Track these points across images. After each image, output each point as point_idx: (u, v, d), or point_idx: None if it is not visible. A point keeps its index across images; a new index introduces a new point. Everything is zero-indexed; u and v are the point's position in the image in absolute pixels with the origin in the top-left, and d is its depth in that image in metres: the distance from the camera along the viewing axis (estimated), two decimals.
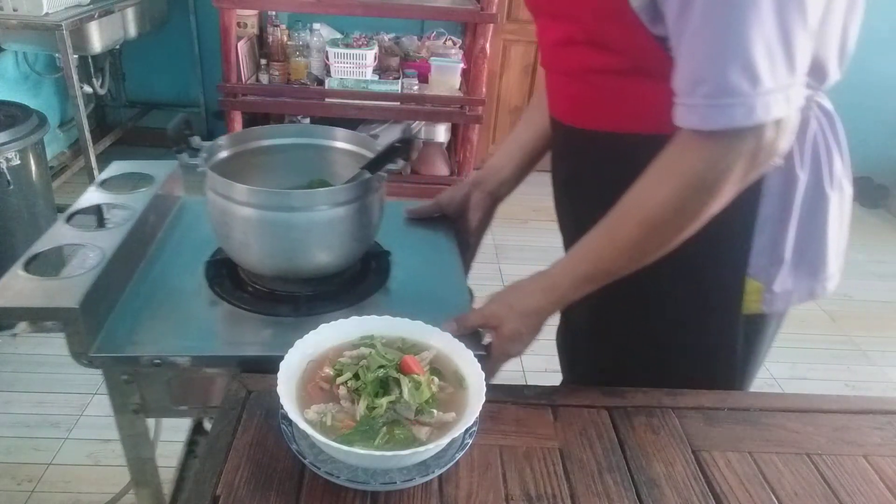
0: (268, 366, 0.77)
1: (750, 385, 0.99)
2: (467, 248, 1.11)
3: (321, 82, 3.01)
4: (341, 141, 1.06)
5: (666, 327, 0.92)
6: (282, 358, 0.73)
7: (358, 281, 1.01)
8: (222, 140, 1.01)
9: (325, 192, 0.92)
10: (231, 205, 0.88)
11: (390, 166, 0.94)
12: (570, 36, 0.82)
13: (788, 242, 0.84)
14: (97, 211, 1.02)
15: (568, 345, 1.15)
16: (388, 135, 3.36)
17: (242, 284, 0.98)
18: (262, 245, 0.91)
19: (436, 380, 0.75)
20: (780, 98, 0.67)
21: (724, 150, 0.70)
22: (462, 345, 0.79)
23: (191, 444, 1.37)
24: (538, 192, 3.94)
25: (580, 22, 0.79)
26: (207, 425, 1.28)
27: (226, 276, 0.98)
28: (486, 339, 0.88)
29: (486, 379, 0.74)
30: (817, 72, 0.78)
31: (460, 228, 1.13)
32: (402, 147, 0.92)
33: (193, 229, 1.10)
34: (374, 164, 0.93)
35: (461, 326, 0.85)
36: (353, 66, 2.94)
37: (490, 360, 0.85)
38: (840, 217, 0.89)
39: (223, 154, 1.01)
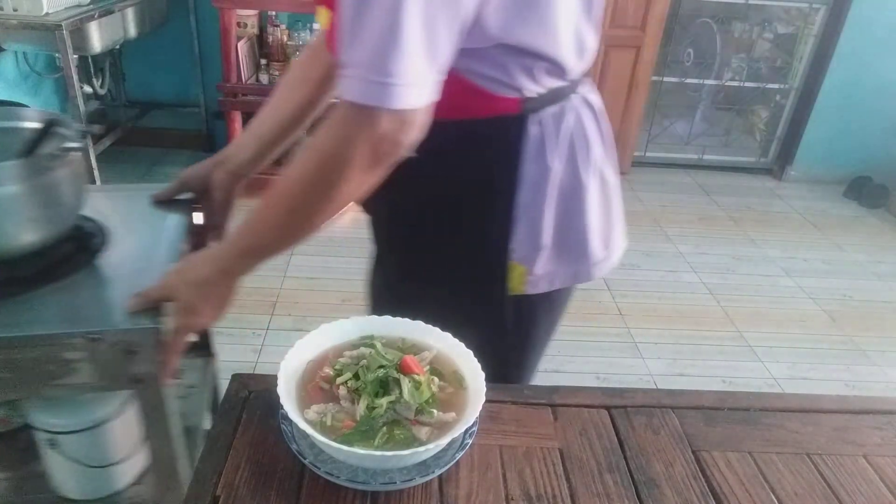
0: None
1: (529, 369, 1.05)
2: (213, 227, 1.10)
3: None
4: (30, 121, 1.01)
5: (446, 300, 0.95)
6: None
7: (62, 261, 0.96)
8: None
9: None
10: None
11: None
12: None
13: (547, 229, 0.87)
14: None
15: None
16: None
17: None
18: None
19: (436, 380, 0.75)
20: (414, 90, 0.68)
21: (351, 127, 0.70)
22: (462, 345, 0.79)
23: None
24: None
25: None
26: None
27: None
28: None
29: (167, 355, 0.77)
30: (554, 67, 0.81)
31: (205, 207, 1.10)
32: (48, 133, 0.91)
33: None
34: (30, 149, 0.91)
35: (142, 301, 0.84)
36: None
37: (172, 334, 0.84)
38: (604, 203, 0.93)
39: None
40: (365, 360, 0.75)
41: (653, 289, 2.76)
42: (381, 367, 0.74)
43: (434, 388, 0.74)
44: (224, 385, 0.85)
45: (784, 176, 4.00)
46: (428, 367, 0.77)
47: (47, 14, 2.35)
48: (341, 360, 0.77)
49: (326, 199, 0.75)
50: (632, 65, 3.55)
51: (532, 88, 0.82)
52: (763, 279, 2.91)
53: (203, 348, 1.36)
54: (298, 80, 1.03)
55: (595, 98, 0.92)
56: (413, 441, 0.69)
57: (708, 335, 2.48)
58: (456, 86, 0.78)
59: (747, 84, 4.03)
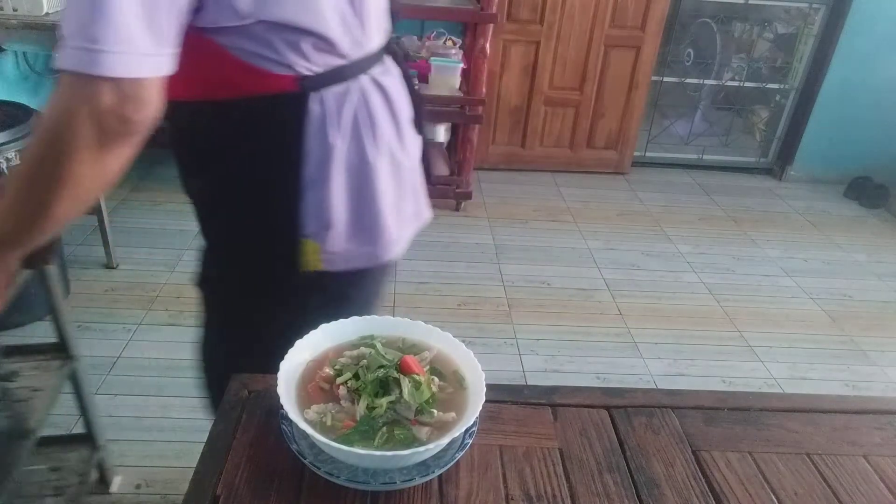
0: None
1: None
2: None
3: None
4: None
5: (252, 281, 0.98)
6: None
7: None
8: None
9: None
10: None
11: None
12: None
13: (335, 206, 0.89)
14: None
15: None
16: None
17: None
18: None
19: (436, 380, 0.75)
20: (126, 58, 0.67)
21: (69, 98, 0.69)
22: (462, 345, 0.79)
23: None
24: (538, 191, 3.95)
25: None
26: None
27: None
28: None
29: None
30: (322, 43, 0.82)
31: None
32: None
33: None
34: None
35: None
36: None
37: None
38: (397, 185, 0.95)
39: None
40: (365, 360, 0.75)
41: (653, 289, 2.76)
42: (381, 367, 0.74)
43: (434, 388, 0.74)
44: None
45: (784, 176, 4.00)
46: (428, 367, 0.77)
47: (47, 14, 2.35)
48: (341, 360, 0.77)
49: (56, 179, 0.70)
50: (632, 65, 3.55)
51: (305, 66, 0.82)
52: (763, 279, 2.91)
53: (60, 350, 1.34)
54: None
55: (391, 81, 0.93)
56: (413, 441, 0.69)
57: (708, 335, 2.48)
58: (228, 63, 0.79)
59: (747, 84, 4.02)
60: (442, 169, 3.24)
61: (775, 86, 4.00)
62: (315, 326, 0.93)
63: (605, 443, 0.79)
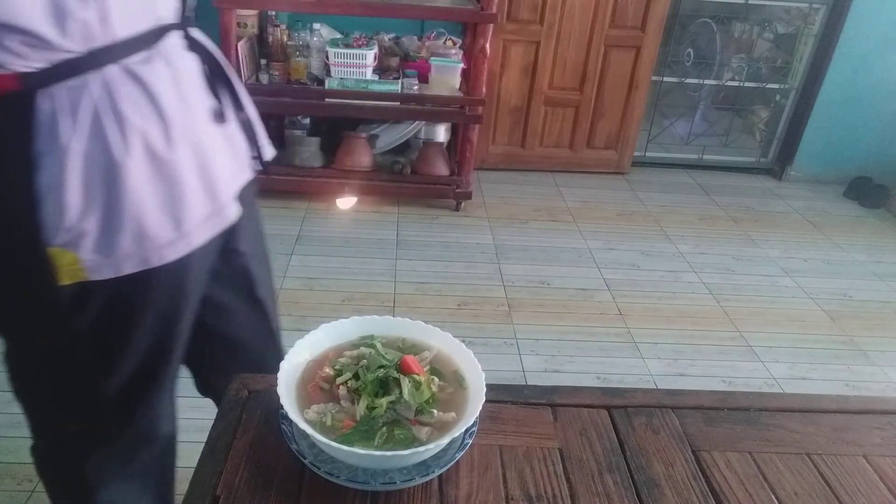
0: None
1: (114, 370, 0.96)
2: None
3: (321, 82, 3.01)
4: None
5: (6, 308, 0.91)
6: None
7: None
8: None
9: None
10: None
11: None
12: None
13: (76, 210, 0.80)
14: None
15: None
16: (388, 135, 3.36)
17: None
18: None
19: (436, 380, 0.75)
20: None
21: None
22: (462, 345, 0.79)
23: None
24: (538, 192, 3.95)
25: None
26: None
27: None
28: None
29: None
30: (32, 39, 0.74)
31: None
32: None
33: None
34: None
35: None
36: (353, 66, 2.94)
37: None
38: (161, 182, 0.85)
39: None
40: (365, 360, 0.75)
41: (653, 289, 2.76)
42: (381, 367, 0.74)
43: (434, 388, 0.74)
44: None
45: (784, 176, 4.00)
46: (428, 367, 0.77)
47: None
48: (341, 360, 0.77)
49: None
50: (632, 65, 3.55)
51: (22, 63, 0.75)
52: (763, 279, 2.91)
53: None
54: None
55: (149, 70, 0.83)
56: (413, 441, 0.69)
57: (708, 335, 2.48)
58: None
59: (747, 84, 4.02)
60: (442, 169, 3.24)
61: (775, 86, 3.99)
62: (115, 340, 0.92)
63: (605, 443, 0.79)
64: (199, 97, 0.92)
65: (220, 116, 0.95)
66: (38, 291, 0.86)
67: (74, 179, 0.79)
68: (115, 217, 0.83)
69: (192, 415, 1.49)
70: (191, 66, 0.92)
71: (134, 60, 0.82)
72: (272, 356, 1.20)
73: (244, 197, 1.04)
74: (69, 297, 0.86)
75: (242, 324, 1.16)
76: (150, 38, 0.85)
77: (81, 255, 0.82)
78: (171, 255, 0.89)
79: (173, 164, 0.86)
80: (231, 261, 1.08)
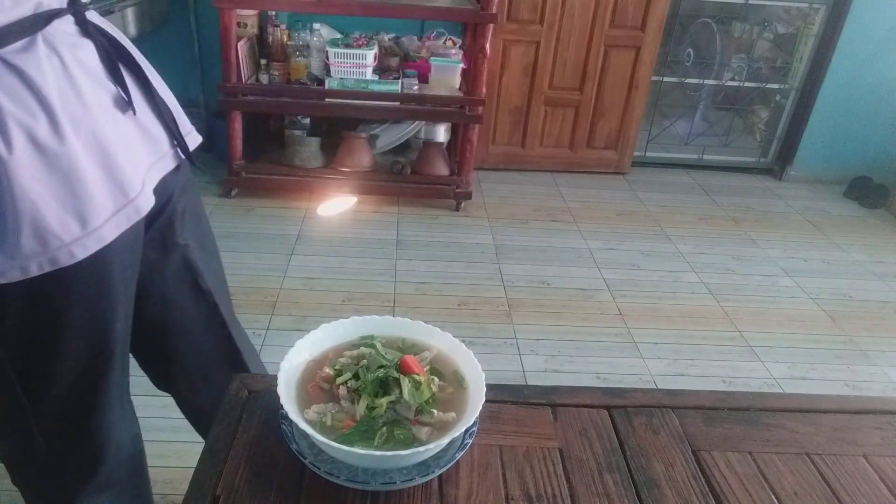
0: None
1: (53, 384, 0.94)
2: None
3: (321, 82, 3.01)
4: None
5: None
6: None
7: None
8: None
9: None
10: None
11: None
12: None
13: None
14: None
15: None
16: (388, 135, 3.36)
17: None
18: None
19: (436, 380, 0.75)
20: None
21: None
22: (462, 345, 0.79)
23: None
24: (538, 192, 3.96)
25: None
26: None
27: None
28: None
29: None
30: None
31: None
32: None
33: None
34: None
35: None
36: (353, 66, 2.94)
37: None
38: (54, 177, 0.80)
39: None
40: (365, 360, 0.75)
41: (653, 289, 2.76)
42: (381, 367, 0.74)
43: (434, 388, 0.74)
44: None
45: (784, 176, 4.00)
46: (428, 367, 0.77)
47: None
48: (341, 360, 0.77)
49: None
50: (632, 65, 3.55)
51: None
52: (763, 279, 2.91)
53: None
54: None
55: (27, 59, 0.78)
56: (413, 441, 0.69)
57: (708, 335, 2.48)
58: None
59: (747, 84, 4.02)
60: (442, 169, 3.24)
61: (775, 86, 3.99)
62: (43, 346, 0.89)
63: (605, 443, 0.79)
64: (96, 85, 0.86)
65: (124, 105, 0.90)
66: None
67: None
68: (9, 217, 0.78)
69: None
70: (86, 53, 0.86)
71: (10, 50, 0.77)
72: (225, 346, 1.18)
73: (172, 187, 1.00)
74: None
75: (189, 316, 1.13)
76: (31, 25, 0.79)
77: None
78: (82, 252, 0.84)
79: (67, 157, 0.81)
80: (170, 253, 1.05)
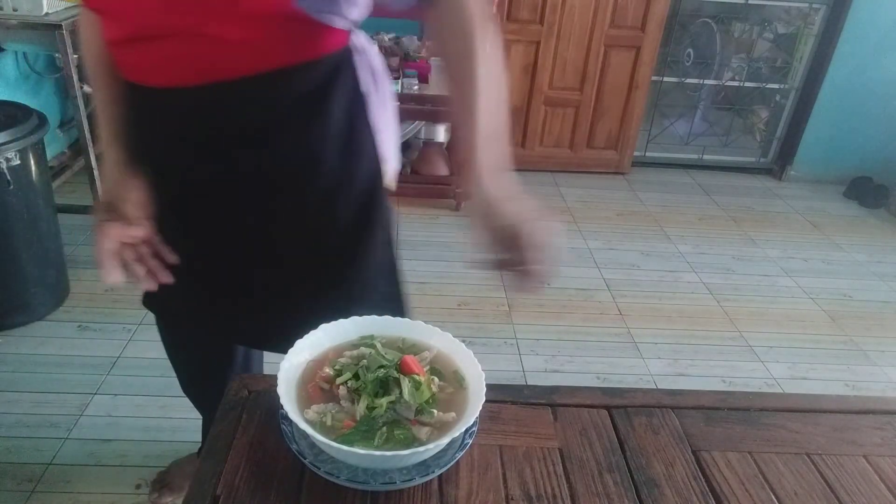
0: None
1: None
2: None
3: None
4: None
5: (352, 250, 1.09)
6: None
7: None
8: None
9: None
10: None
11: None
12: None
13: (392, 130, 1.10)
14: None
15: None
16: None
17: None
18: None
19: (436, 380, 0.75)
20: None
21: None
22: (462, 345, 0.79)
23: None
24: (538, 192, 3.94)
25: None
26: None
27: None
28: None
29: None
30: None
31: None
32: None
33: None
34: None
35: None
36: None
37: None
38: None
39: None
40: (365, 360, 0.75)
41: (653, 289, 2.76)
42: (381, 367, 0.74)
43: (434, 388, 0.74)
44: None
45: (784, 176, 4.00)
46: (428, 367, 0.77)
47: (47, 14, 2.34)
48: (341, 360, 0.77)
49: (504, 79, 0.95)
50: (632, 65, 3.55)
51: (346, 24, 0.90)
52: (763, 279, 2.91)
53: None
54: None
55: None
56: (413, 441, 0.69)
57: (708, 335, 2.48)
58: (303, 25, 0.84)
59: (747, 84, 4.02)
60: (442, 169, 3.24)
61: (775, 86, 3.99)
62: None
63: (605, 443, 0.79)
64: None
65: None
66: (381, 216, 1.09)
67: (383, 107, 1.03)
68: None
69: (192, 415, 1.49)
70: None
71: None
72: None
73: None
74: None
75: None
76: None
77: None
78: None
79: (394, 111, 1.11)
80: None
